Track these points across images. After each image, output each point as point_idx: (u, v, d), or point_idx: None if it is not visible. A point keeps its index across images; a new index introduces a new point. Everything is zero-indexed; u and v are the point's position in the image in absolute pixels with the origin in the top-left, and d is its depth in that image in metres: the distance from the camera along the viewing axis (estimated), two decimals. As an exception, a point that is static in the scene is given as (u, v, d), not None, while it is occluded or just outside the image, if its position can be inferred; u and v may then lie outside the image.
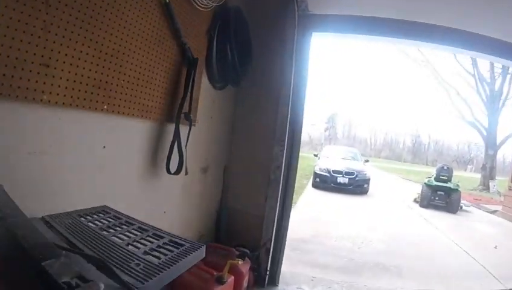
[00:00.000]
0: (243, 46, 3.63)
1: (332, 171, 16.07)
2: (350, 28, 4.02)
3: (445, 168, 14.48)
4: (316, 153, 20.76)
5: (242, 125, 4.19)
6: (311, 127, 67.43)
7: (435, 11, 3.71)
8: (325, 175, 16.08)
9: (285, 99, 3.94)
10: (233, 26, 3.49)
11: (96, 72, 2.06)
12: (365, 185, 16.23)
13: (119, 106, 2.29)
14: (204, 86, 3.35)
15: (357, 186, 15.98)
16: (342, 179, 15.82)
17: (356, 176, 16.00)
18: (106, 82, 2.15)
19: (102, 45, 2.08)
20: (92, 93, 2.04)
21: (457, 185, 13.99)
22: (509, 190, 14.82)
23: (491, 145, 27.72)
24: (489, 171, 26.75)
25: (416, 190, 16.61)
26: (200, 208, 3.67)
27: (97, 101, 2.10)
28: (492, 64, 26.49)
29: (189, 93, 2.87)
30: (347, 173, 16.00)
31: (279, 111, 3.95)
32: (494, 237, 10.06)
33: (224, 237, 4.02)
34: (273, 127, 3.96)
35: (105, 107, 2.17)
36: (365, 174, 16.45)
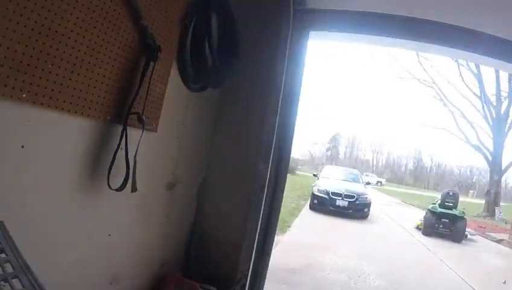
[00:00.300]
0: (227, 42, 3.12)
1: (331, 193, 15.47)
2: (354, 26, 3.48)
3: (451, 194, 13.97)
4: (315, 173, 20.18)
5: (224, 136, 3.60)
6: (313, 145, 67.41)
7: (454, 8, 3.17)
8: (324, 197, 15.48)
9: (274, 108, 3.39)
10: (217, 17, 2.98)
11: (15, 50, 1.56)
12: (365, 210, 15.59)
13: (44, 96, 1.74)
14: (174, 86, 2.82)
15: (357, 210, 15.34)
16: (341, 202, 15.20)
17: (356, 199, 15.39)
18: (28, 64, 1.62)
19: (22, 15, 1.58)
20: (8, 77, 1.55)
21: (463, 213, 13.52)
22: (517, 219, 14.22)
23: (496, 170, 27.23)
24: (494, 197, 26.10)
25: (419, 215, 16.27)
26: (164, 233, 3.13)
27: (13, 88, 1.58)
28: (498, 87, 26.20)
29: (145, 90, 2.33)
30: (347, 196, 15.39)
31: (266, 122, 3.37)
32: (503, 270, 9.56)
33: (194, 267, 3.42)
34: (258, 141, 3.38)
35: (24, 95, 1.64)
36: (366, 197, 15.83)
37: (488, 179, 29.99)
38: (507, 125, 27.19)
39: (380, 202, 24.35)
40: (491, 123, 27.52)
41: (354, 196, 15.40)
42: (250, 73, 3.41)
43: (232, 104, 3.52)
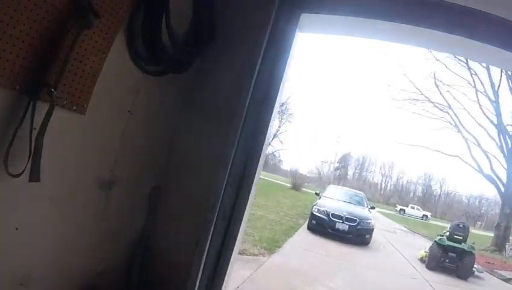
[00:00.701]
0: (200, 20, 2.80)
1: (332, 215, 14.56)
2: (354, 8, 2.80)
3: (461, 226, 13.17)
4: (317, 192, 19.09)
5: (186, 137, 3.09)
6: (322, 163, 66.98)
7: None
8: (323, 218, 14.56)
9: (240, 107, 2.83)
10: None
11: None
12: (367, 236, 14.62)
13: None
14: (118, 63, 2.44)
15: (357, 235, 14.35)
16: (341, 226, 14.26)
17: (358, 223, 14.44)
18: None
19: None
20: None
21: (473, 247, 12.74)
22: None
23: (508, 203, 25.93)
24: (503, 231, 24.71)
25: (424, 244, 15.35)
26: (94, 238, 2.72)
27: None
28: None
29: (67, 60, 1.99)
30: (348, 219, 14.44)
31: (234, 123, 2.81)
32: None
33: (138, 284, 3.00)
34: (220, 146, 2.82)
35: None
36: (369, 223, 14.90)
37: (499, 211, 28.99)
38: (523, 157, 26.03)
39: (384, 227, 23.55)
40: (506, 154, 26.51)
41: (356, 220, 14.48)
42: (226, 61, 2.98)
43: (201, 99, 3.08)
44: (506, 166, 26.58)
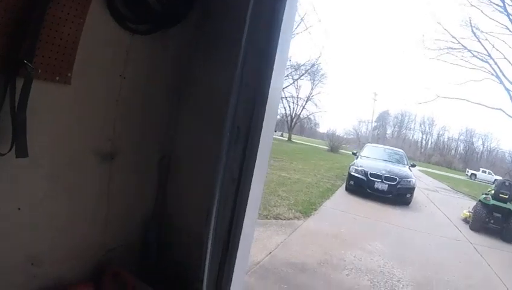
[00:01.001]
0: None
1: (370, 174, 13.92)
2: None
3: (507, 184, 12.36)
4: (354, 152, 18.30)
5: (193, 95, 2.79)
6: (359, 123, 65.97)
7: None
8: (361, 178, 13.96)
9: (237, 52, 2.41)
10: None
11: None
12: (408, 195, 13.97)
13: None
14: (100, 26, 2.28)
15: (397, 195, 13.73)
16: (380, 185, 13.65)
17: (398, 182, 13.75)
18: None
19: None
20: None
21: None
22: None
23: None
24: None
25: (466, 204, 14.84)
26: (100, 213, 2.59)
27: None
28: None
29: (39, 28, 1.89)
30: (387, 179, 13.77)
31: (236, 75, 2.39)
32: None
33: (153, 262, 2.79)
34: (223, 104, 2.44)
35: None
36: (409, 181, 14.13)
37: None
38: None
39: (425, 186, 23.06)
40: None
41: (395, 179, 13.78)
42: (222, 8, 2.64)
43: (203, 51, 2.73)
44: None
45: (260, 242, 6.86)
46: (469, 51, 28.06)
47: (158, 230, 2.88)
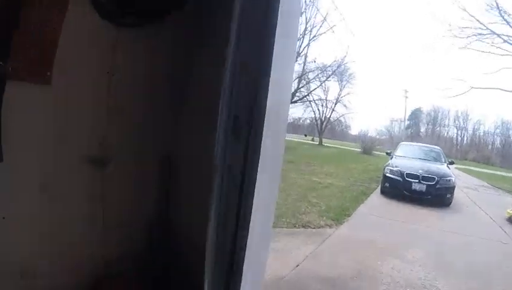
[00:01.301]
0: None
1: (406, 174, 13.01)
2: None
3: None
4: (388, 151, 17.33)
5: (190, 92, 2.64)
6: (391, 123, 65.03)
7: None
8: (397, 179, 13.09)
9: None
10: None
11: None
12: (448, 195, 12.96)
13: None
14: (80, 19, 2.12)
15: (437, 195, 12.74)
16: (417, 186, 12.75)
17: (437, 182, 12.79)
18: None
19: None
20: None
21: None
22: None
23: None
24: None
25: (509, 202, 14.09)
26: (95, 223, 2.50)
27: None
28: None
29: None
30: (425, 178, 12.83)
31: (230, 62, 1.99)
32: None
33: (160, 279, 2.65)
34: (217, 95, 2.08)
35: None
36: (449, 180, 13.13)
37: None
38: None
39: (464, 185, 21.61)
40: None
41: (434, 179, 12.84)
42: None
43: (198, 44, 2.59)
44: None
45: (287, 254, 6.34)
46: (499, 36, 26.49)
47: (162, 237, 2.78)
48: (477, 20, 25.99)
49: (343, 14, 42.34)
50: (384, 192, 13.45)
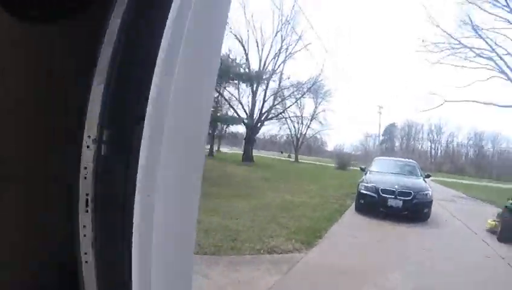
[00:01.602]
0: None
1: (381, 190, 12.17)
2: None
3: None
4: (363, 167, 16.41)
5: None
6: (366, 138, 64.99)
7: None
8: (372, 196, 12.22)
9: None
10: None
11: None
12: (426, 210, 12.16)
13: None
14: None
15: (414, 211, 11.92)
16: (393, 202, 11.90)
17: (414, 197, 11.99)
18: None
19: None
20: None
21: None
22: None
23: None
24: None
25: (488, 211, 13.62)
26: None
27: None
28: None
29: None
30: (401, 194, 12.02)
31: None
32: None
33: None
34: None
35: None
36: (426, 194, 12.38)
37: None
38: None
39: (441, 197, 21.08)
40: None
41: (410, 193, 12.04)
42: None
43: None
44: None
45: (245, 287, 5.49)
46: (472, 50, 26.61)
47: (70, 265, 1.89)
48: (450, 36, 26.74)
49: (319, 33, 42.17)
50: (359, 209, 12.59)
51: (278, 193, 14.56)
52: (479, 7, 25.05)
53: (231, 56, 33.56)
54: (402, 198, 11.84)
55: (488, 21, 27.90)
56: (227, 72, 29.86)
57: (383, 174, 13.98)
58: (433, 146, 78.12)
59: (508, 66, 25.49)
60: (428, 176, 15.01)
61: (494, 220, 11.47)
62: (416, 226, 11.28)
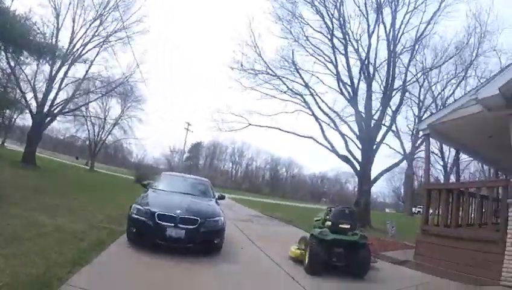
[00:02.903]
0: None
1: (158, 216, 8.28)
2: None
3: (347, 212, 8.86)
4: (145, 183, 11.71)
5: None
6: (172, 153, 63.33)
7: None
8: (146, 223, 8.26)
9: None
10: None
11: None
12: (217, 241, 8.80)
13: None
14: None
15: (201, 242, 8.46)
16: (173, 232, 8.15)
17: (200, 225, 8.40)
18: None
19: None
20: None
21: (365, 237, 8.64)
22: (423, 234, 11.11)
23: (366, 180, 24.91)
24: (364, 207, 23.64)
25: (287, 233, 13.59)
26: None
27: None
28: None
29: None
30: (184, 221, 8.32)
31: None
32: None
33: None
34: None
35: None
36: (217, 221, 8.92)
37: (356, 189, 30.02)
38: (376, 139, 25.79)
39: (238, 216, 20.45)
40: (358, 134, 25.49)
41: (196, 221, 8.41)
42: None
43: None
44: (360, 146, 25.40)
45: None
46: (284, 83, 27.99)
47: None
48: (269, 67, 27.83)
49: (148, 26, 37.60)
50: (131, 239, 8.68)
51: (34, 211, 9.87)
52: (304, 47, 27.04)
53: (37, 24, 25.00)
54: (185, 227, 8.24)
55: (307, 62, 29.61)
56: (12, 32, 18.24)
57: (168, 193, 10.26)
58: (234, 167, 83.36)
59: (317, 103, 26.86)
60: (222, 198, 11.40)
61: (298, 248, 9.63)
62: (206, 263, 7.96)
